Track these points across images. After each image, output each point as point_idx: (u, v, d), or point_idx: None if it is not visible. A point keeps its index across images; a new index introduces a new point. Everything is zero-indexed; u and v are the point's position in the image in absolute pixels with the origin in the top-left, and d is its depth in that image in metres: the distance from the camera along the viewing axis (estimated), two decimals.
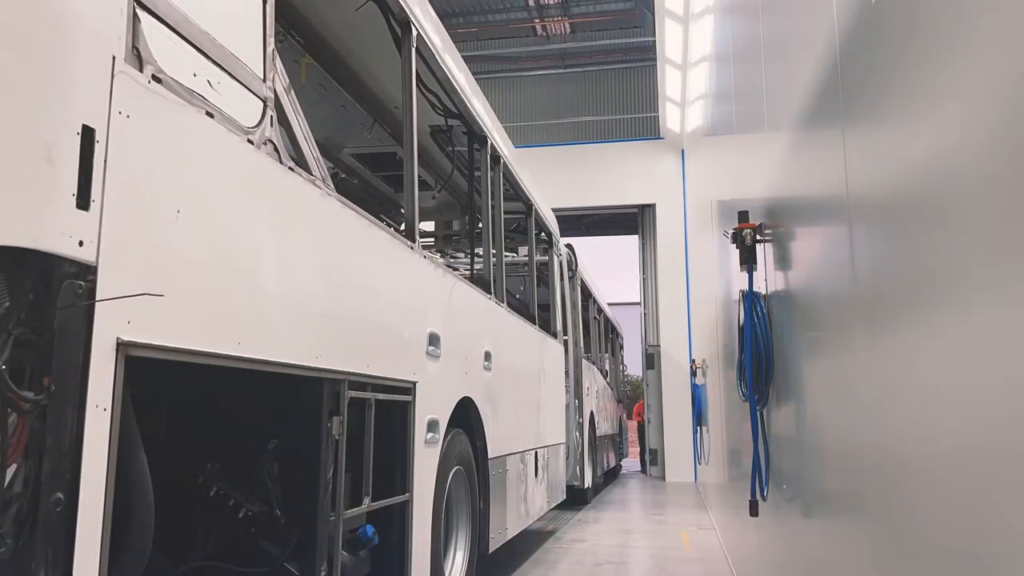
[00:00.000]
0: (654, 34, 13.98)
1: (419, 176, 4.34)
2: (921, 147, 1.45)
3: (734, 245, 3.70)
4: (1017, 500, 1.09)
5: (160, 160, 1.84)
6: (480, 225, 5.40)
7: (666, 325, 15.87)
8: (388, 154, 5.78)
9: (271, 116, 2.41)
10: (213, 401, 2.66)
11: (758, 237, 3.54)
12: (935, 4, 1.37)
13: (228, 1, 2.38)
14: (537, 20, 18.64)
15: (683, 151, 15.70)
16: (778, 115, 3.09)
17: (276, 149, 2.40)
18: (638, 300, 17.41)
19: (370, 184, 6.20)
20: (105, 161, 1.63)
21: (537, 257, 7.31)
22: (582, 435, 9.86)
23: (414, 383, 3.55)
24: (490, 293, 5.07)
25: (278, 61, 2.52)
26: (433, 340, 3.84)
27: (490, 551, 4.86)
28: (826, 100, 2.22)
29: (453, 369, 4.17)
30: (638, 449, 19.88)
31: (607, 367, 14.39)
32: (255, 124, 2.31)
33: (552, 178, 14.97)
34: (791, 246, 2.94)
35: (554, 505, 7.35)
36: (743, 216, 3.72)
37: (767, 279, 3.50)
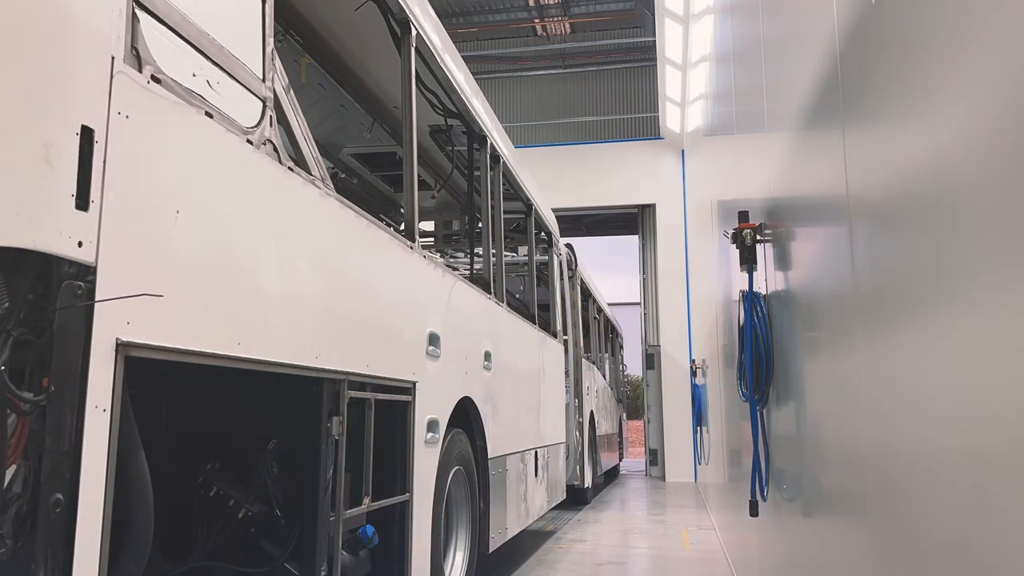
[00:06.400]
0: (654, 34, 13.98)
1: (419, 176, 4.34)
2: (921, 147, 1.45)
3: (734, 245, 3.69)
4: (1017, 499, 1.09)
5: (159, 160, 1.83)
6: (480, 225, 5.39)
7: (666, 325, 15.88)
8: (388, 154, 5.78)
9: (270, 116, 2.41)
10: (213, 401, 2.66)
11: (758, 237, 3.54)
12: (935, 4, 1.37)
13: (227, 1, 2.38)
14: (537, 20, 18.62)
15: (683, 151, 15.70)
16: (778, 115, 3.09)
17: (275, 149, 2.40)
18: (638, 300, 17.41)
19: (370, 184, 6.20)
20: (104, 162, 1.63)
21: (537, 257, 7.31)
22: (582, 435, 9.86)
23: (414, 383, 3.55)
24: (490, 293, 5.06)
25: (277, 61, 2.52)
26: (433, 340, 3.84)
27: (490, 551, 4.85)
28: (826, 100, 2.22)
29: (453, 369, 4.17)
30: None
31: (608, 368, 14.38)
32: (254, 124, 2.31)
33: (552, 178, 14.98)
34: (791, 246, 2.93)
35: (554, 505, 7.34)
36: (743, 216, 3.72)
37: (767, 279, 3.49)
